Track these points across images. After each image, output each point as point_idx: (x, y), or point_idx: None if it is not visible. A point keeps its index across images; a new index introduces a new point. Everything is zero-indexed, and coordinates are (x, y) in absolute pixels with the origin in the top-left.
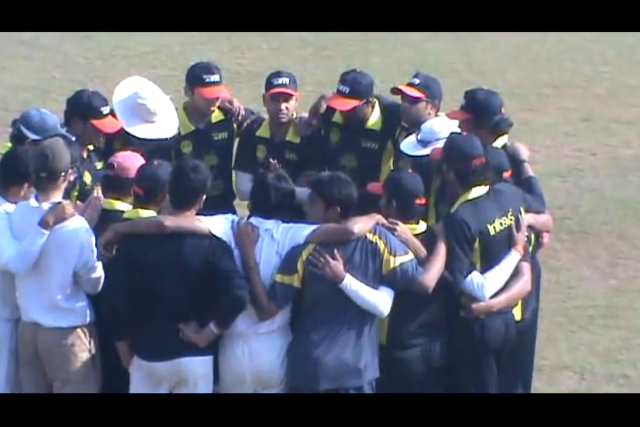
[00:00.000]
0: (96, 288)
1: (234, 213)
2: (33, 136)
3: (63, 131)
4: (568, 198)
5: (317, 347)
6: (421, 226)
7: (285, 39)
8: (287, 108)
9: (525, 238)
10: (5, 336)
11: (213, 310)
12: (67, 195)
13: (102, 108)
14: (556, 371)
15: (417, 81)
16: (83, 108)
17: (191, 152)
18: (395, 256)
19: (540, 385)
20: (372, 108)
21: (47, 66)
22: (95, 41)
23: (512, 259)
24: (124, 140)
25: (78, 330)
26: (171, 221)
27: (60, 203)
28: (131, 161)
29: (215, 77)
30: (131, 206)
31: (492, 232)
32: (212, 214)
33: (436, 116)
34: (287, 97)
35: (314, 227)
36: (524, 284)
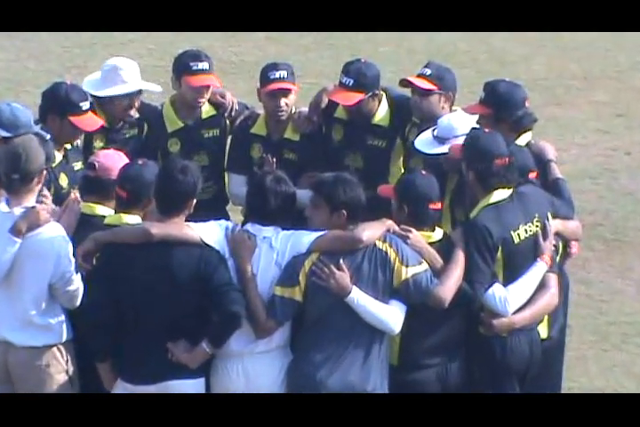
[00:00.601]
0: (74, 302)
1: (227, 218)
2: (3, 133)
3: (37, 128)
4: (600, 202)
5: (320, 368)
6: (437, 233)
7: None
8: (287, 104)
9: (553, 247)
10: None
11: (206, 327)
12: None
13: (82, 104)
14: None
15: (428, 71)
16: (60, 103)
17: (179, 151)
18: (407, 267)
19: None
20: (379, 101)
21: (20, 55)
22: None
23: (538, 270)
24: (106, 137)
25: (54, 349)
26: (158, 229)
27: (33, 207)
28: (113, 160)
29: (204, 65)
30: (113, 211)
31: (516, 240)
32: (202, 220)
33: (451, 110)
34: (286, 92)
35: (317, 234)
36: (550, 298)
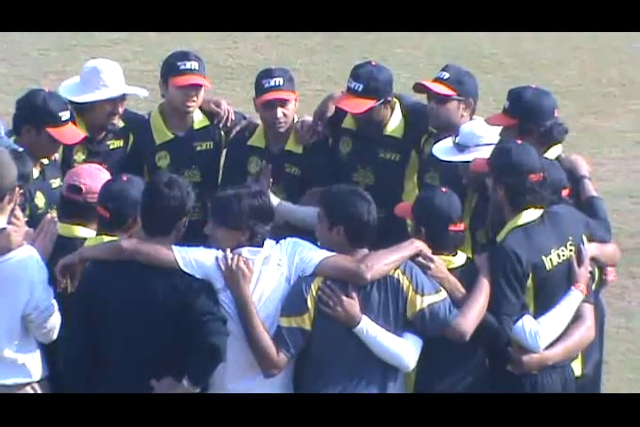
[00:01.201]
0: (50, 336)
1: None
2: None
3: (10, 140)
4: None
5: None
6: (459, 258)
7: None
8: (285, 115)
9: (588, 274)
10: None
11: (186, 361)
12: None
13: (61, 113)
14: None
15: (446, 75)
16: (36, 113)
17: (168, 166)
18: (422, 295)
19: None
20: (392, 110)
21: None
22: None
23: (572, 300)
24: (87, 149)
25: (27, 388)
26: (130, 245)
27: (4, 229)
28: (99, 181)
29: (192, 64)
30: (94, 233)
31: (549, 266)
32: (191, 245)
33: (471, 119)
34: (283, 102)
35: (322, 253)
36: (586, 331)
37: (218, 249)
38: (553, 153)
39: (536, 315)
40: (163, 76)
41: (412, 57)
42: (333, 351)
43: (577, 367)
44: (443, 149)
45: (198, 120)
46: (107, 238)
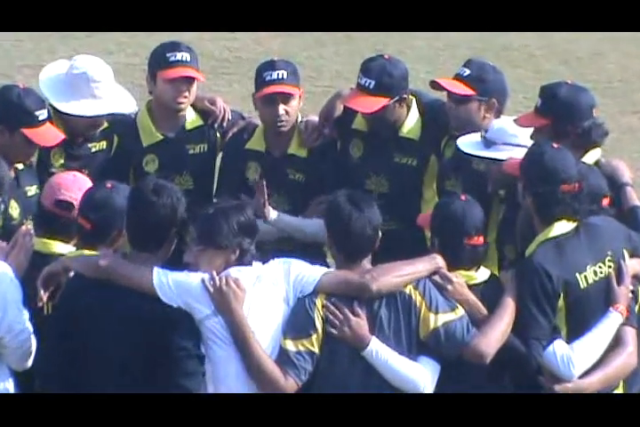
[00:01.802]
0: (24, 363)
1: None
2: None
3: None
4: None
5: None
6: (482, 274)
7: None
8: (287, 113)
9: (630, 294)
10: None
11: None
12: None
13: (38, 112)
14: None
15: (467, 72)
16: (10, 112)
17: (157, 171)
18: (437, 313)
19: None
20: (408, 108)
21: None
22: None
23: (611, 322)
24: (66, 152)
25: None
26: (107, 263)
27: None
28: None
29: (183, 56)
30: (74, 248)
31: (583, 284)
32: (174, 268)
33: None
34: (286, 97)
35: (321, 270)
36: (627, 357)
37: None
38: (591, 157)
39: (569, 339)
40: (150, 69)
41: (432, 49)
42: (338, 377)
43: None
44: (468, 143)
45: (191, 119)
46: (88, 253)
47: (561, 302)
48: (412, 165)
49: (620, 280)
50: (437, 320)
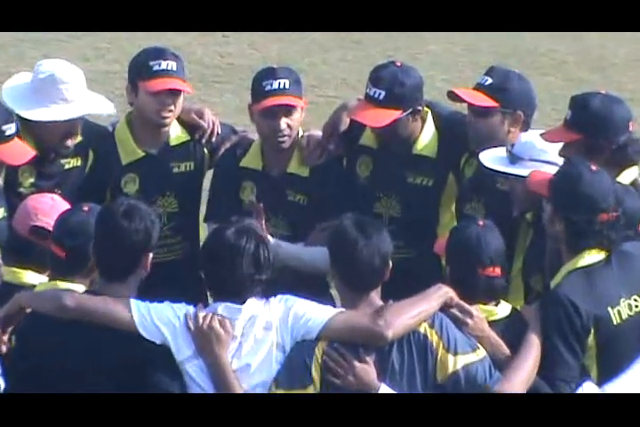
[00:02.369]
0: None
1: (200, 293)
2: None
3: None
4: None
5: None
6: (502, 308)
7: None
8: (289, 127)
9: None
10: None
11: None
12: None
13: (4, 127)
14: None
15: (488, 80)
16: None
17: (138, 191)
18: (455, 355)
19: None
20: (422, 122)
21: None
22: None
23: None
24: (36, 170)
25: None
26: (75, 301)
27: None
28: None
29: (169, 64)
30: (46, 278)
31: (616, 320)
32: (161, 297)
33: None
34: (289, 110)
35: (326, 313)
36: None
37: (189, 304)
38: (627, 177)
39: (600, 381)
40: (131, 78)
41: (450, 55)
42: None
43: None
44: (491, 158)
45: (175, 134)
46: (62, 285)
47: (591, 340)
48: (428, 186)
49: None
50: (457, 362)
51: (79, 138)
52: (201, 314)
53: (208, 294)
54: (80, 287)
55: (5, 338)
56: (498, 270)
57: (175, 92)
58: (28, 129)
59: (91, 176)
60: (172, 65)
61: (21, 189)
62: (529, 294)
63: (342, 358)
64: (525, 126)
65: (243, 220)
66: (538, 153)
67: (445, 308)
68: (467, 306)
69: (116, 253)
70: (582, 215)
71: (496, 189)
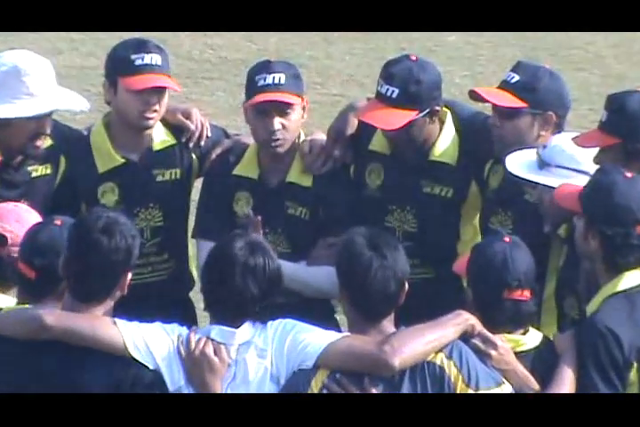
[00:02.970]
0: None
1: (189, 316)
2: None
3: None
4: None
5: None
6: (531, 338)
7: None
8: (285, 128)
9: None
10: None
11: None
12: None
13: None
14: None
15: (515, 78)
16: None
17: (117, 203)
18: (477, 389)
19: None
20: (441, 124)
21: None
22: None
23: None
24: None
25: None
26: (57, 320)
27: None
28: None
29: (153, 58)
30: (14, 300)
31: None
32: (146, 320)
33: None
34: (283, 108)
35: (326, 338)
36: None
37: (182, 325)
38: None
39: None
40: (109, 74)
41: (472, 47)
42: None
43: None
44: (518, 161)
45: (160, 138)
46: (30, 307)
47: (633, 374)
48: (447, 197)
49: None
50: None
51: (49, 142)
52: (193, 338)
53: (197, 319)
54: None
55: None
56: (527, 294)
57: (160, 90)
58: None
59: (62, 186)
60: (156, 59)
61: None
62: (562, 321)
63: (345, 391)
64: (558, 129)
65: (248, 233)
66: (566, 160)
67: (466, 337)
68: (490, 335)
69: (93, 274)
70: (618, 228)
71: (525, 200)
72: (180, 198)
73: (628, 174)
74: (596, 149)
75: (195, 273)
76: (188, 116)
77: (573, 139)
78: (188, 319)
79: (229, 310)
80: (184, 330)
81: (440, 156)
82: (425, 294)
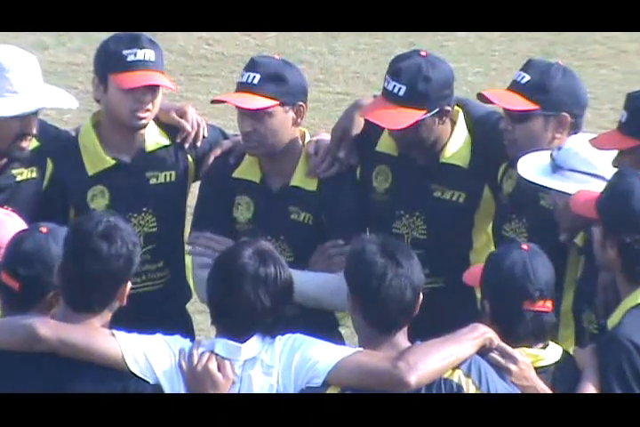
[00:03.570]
0: None
1: (186, 328)
2: None
3: None
4: None
5: None
6: (551, 352)
7: None
8: (256, 131)
9: None
10: None
11: None
12: None
13: None
14: None
15: (525, 78)
16: None
17: (108, 207)
18: None
19: None
20: (452, 125)
21: None
22: None
23: None
24: None
25: None
26: (51, 331)
27: None
28: (8, 233)
29: (146, 54)
30: None
31: None
32: (143, 331)
33: None
34: (255, 112)
35: (337, 354)
36: None
37: (185, 337)
38: None
39: None
40: (99, 70)
41: (484, 42)
42: None
43: None
44: (529, 164)
45: (153, 139)
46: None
47: None
48: (458, 202)
49: None
50: None
51: (35, 143)
52: (196, 352)
53: (194, 333)
54: None
55: None
56: (549, 304)
57: (153, 88)
58: None
59: (50, 190)
60: (149, 55)
61: None
62: (581, 335)
63: None
64: (574, 130)
65: (257, 239)
66: (580, 163)
67: (484, 351)
68: (510, 349)
69: (91, 282)
70: (637, 236)
71: (540, 206)
72: (176, 203)
73: None
74: (615, 152)
75: (192, 283)
76: (182, 115)
77: (590, 141)
78: (185, 333)
79: (238, 322)
80: (187, 343)
81: (451, 158)
82: (434, 304)
